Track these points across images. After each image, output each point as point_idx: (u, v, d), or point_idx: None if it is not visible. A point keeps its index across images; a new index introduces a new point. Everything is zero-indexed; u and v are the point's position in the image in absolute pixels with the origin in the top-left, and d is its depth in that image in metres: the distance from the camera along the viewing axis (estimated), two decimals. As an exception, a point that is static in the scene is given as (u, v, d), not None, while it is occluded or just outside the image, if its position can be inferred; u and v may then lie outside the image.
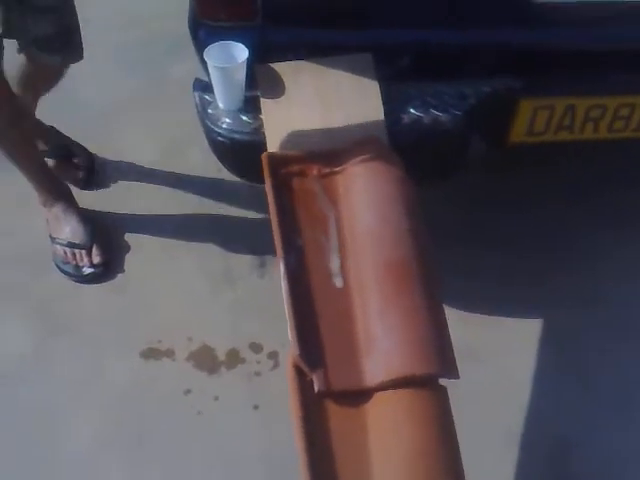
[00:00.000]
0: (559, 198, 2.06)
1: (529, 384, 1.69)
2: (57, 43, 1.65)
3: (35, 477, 1.60)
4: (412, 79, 1.51)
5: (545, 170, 2.06)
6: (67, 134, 2.21)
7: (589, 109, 1.52)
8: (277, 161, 1.38)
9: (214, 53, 1.44)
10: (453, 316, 1.76)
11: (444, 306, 1.70)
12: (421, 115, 1.48)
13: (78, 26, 1.70)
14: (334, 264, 1.28)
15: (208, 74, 1.48)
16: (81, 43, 1.72)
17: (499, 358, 1.72)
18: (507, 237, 1.97)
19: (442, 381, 1.17)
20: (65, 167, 2.12)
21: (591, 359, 1.74)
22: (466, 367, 1.66)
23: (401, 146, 1.44)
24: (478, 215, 2.01)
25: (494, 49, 1.50)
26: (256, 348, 1.76)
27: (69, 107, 2.29)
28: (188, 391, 1.69)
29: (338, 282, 1.26)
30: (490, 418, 1.61)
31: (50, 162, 2.07)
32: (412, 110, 1.49)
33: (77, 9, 1.70)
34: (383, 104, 1.47)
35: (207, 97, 1.54)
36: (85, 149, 2.19)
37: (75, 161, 2.15)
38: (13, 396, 1.71)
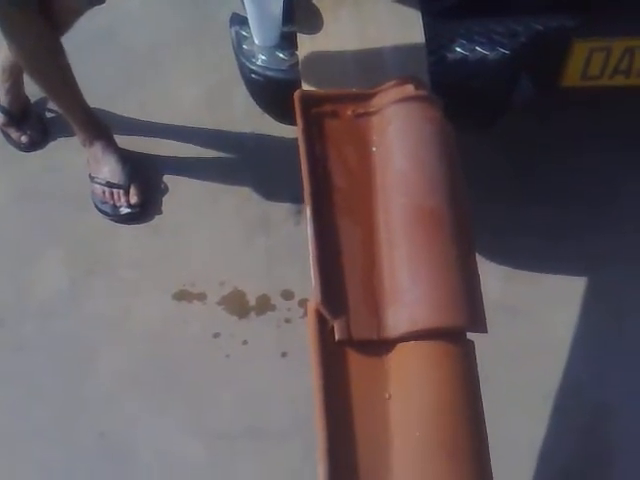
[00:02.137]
0: (611, 146, 1.93)
1: (569, 345, 1.62)
2: None
3: (63, 408, 1.63)
4: (458, 15, 1.42)
5: (597, 114, 1.93)
6: (110, 75, 2.20)
7: (649, 51, 1.40)
8: (310, 100, 1.31)
9: (251, -16, 1.38)
10: (494, 272, 1.72)
11: (484, 261, 1.65)
12: (466, 54, 1.39)
13: None
14: (364, 210, 1.22)
15: (244, 7, 1.42)
16: None
17: (540, 316, 1.66)
18: (552, 189, 1.88)
19: (475, 336, 1.12)
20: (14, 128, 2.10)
21: (635, 321, 1.65)
22: (506, 323, 1.62)
23: (443, 87, 1.35)
24: (522, 164, 1.92)
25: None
26: (287, 295, 1.74)
27: (111, 47, 2.27)
28: (217, 334, 1.68)
29: (367, 230, 1.21)
30: (527, 378, 1.56)
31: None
32: (457, 48, 1.40)
33: None
34: (426, 41, 1.38)
35: (243, 32, 1.48)
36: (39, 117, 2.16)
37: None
38: (48, 329, 1.75)
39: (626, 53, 1.41)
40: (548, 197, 1.86)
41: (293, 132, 1.81)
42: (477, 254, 1.24)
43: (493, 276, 1.70)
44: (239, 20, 1.49)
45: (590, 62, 1.43)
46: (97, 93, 2.04)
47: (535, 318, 1.66)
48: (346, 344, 1.11)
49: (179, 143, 2.08)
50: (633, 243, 1.77)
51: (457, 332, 1.10)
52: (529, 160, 1.93)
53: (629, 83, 1.47)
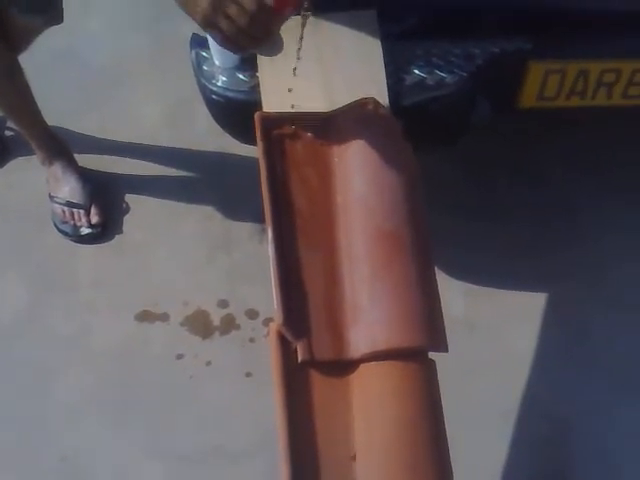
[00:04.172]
0: (566, 166, 1.98)
1: (529, 360, 1.64)
2: (40, 3, 1.58)
3: (21, 430, 1.60)
4: (417, 38, 1.44)
5: (556, 134, 1.97)
6: (70, 93, 2.18)
7: (603, 74, 1.44)
8: (270, 121, 1.32)
9: (210, 7, 1.38)
10: (454, 288, 1.74)
11: (445, 278, 1.67)
12: (425, 76, 1.40)
13: None
14: (325, 232, 1.23)
15: (205, 29, 1.43)
16: (62, 5, 1.66)
17: (499, 332, 1.68)
18: (509, 207, 1.91)
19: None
20: None
21: (593, 337, 1.69)
22: (466, 340, 1.64)
23: (402, 109, 1.37)
24: (480, 183, 1.95)
25: (503, 7, 1.41)
26: (252, 314, 1.73)
27: (71, 66, 2.25)
28: (181, 355, 1.67)
29: (328, 251, 1.21)
30: (487, 394, 1.58)
31: None
32: (416, 71, 1.41)
33: None
34: (385, 64, 1.40)
35: (203, 53, 1.48)
36: None
37: None
38: (5, 350, 1.72)
39: (580, 75, 1.45)
40: (508, 213, 1.89)
41: (255, 151, 1.83)
42: (437, 270, 1.26)
43: (453, 292, 1.72)
44: (199, 41, 1.49)
45: (546, 84, 1.46)
46: (57, 112, 2.03)
47: (494, 333, 1.68)
48: (309, 365, 1.11)
49: (140, 162, 2.07)
50: (590, 260, 1.81)
51: (418, 352, 1.12)
52: (488, 177, 1.96)
53: (585, 104, 1.50)
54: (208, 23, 1.01)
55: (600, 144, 2.00)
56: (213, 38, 1.06)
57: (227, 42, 1.05)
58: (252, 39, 1.04)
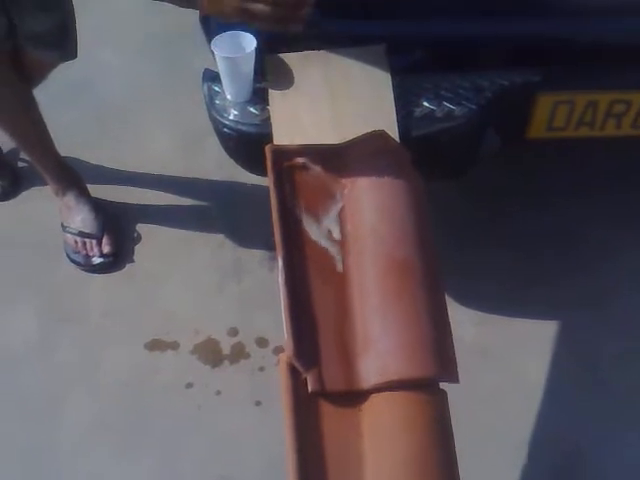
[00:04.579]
0: (575, 194, 1.99)
1: (541, 389, 1.63)
2: (54, 39, 1.62)
3: (29, 459, 1.60)
4: (425, 71, 1.46)
5: (561, 165, 1.99)
6: (83, 124, 2.21)
7: (612, 104, 1.45)
8: (281, 154, 1.34)
9: (222, 43, 1.41)
10: (465, 317, 1.74)
11: (456, 306, 1.67)
12: (434, 108, 1.42)
13: (75, 23, 1.67)
14: (335, 262, 1.24)
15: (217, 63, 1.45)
16: (76, 40, 1.69)
17: (510, 360, 1.67)
18: (521, 233, 1.91)
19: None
20: None
21: (605, 366, 1.68)
22: (477, 369, 1.64)
23: (412, 141, 1.39)
24: (489, 212, 1.96)
25: (511, 40, 1.44)
26: (262, 343, 1.73)
27: (85, 97, 2.30)
28: (190, 384, 1.67)
29: (338, 280, 1.22)
30: (499, 423, 1.57)
31: None
32: (425, 103, 1.43)
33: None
34: (395, 97, 1.42)
35: (215, 88, 1.51)
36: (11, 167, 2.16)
37: None
38: (16, 380, 1.72)
39: (589, 106, 1.46)
40: (518, 241, 1.89)
41: (266, 180, 1.85)
42: (448, 298, 1.26)
43: (464, 320, 1.72)
44: (211, 76, 1.51)
45: (555, 114, 1.47)
46: (70, 142, 2.06)
47: (506, 362, 1.68)
48: (319, 395, 1.11)
49: (152, 191, 2.10)
50: (601, 288, 1.80)
51: (429, 382, 1.12)
52: (498, 205, 1.97)
53: (593, 134, 1.51)
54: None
55: (611, 173, 2.01)
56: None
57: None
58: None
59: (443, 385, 1.12)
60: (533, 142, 1.56)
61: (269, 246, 1.92)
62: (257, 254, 1.93)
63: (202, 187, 2.11)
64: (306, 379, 1.11)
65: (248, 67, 1.42)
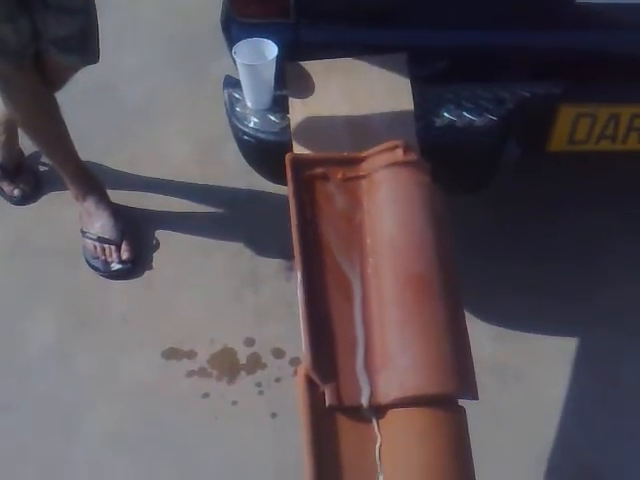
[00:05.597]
0: (595, 204, 1.96)
1: (561, 406, 1.61)
2: (77, 44, 1.64)
3: (49, 470, 1.60)
4: (447, 81, 1.45)
5: (585, 176, 1.96)
6: (104, 129, 2.22)
7: (634, 118, 1.43)
8: (301, 163, 1.33)
9: (243, 50, 1.41)
10: (483, 332, 1.72)
11: (475, 321, 1.65)
12: (454, 119, 1.41)
13: (97, 28, 1.68)
14: (354, 274, 1.23)
15: (237, 70, 1.45)
16: (99, 45, 1.70)
17: (530, 377, 1.65)
18: (542, 248, 1.89)
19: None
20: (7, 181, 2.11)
21: (625, 383, 1.65)
22: (495, 385, 1.62)
23: (431, 151, 1.37)
24: (511, 223, 1.94)
25: (534, 52, 1.43)
26: (278, 353, 1.73)
27: (106, 101, 2.31)
28: (206, 394, 1.66)
29: (357, 293, 1.21)
30: (518, 440, 1.54)
31: None
32: (445, 114, 1.42)
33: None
34: (415, 107, 1.41)
35: (236, 95, 1.51)
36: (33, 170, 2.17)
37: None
38: (33, 387, 1.72)
39: (611, 119, 1.44)
40: (538, 256, 1.87)
41: (284, 189, 1.84)
42: (467, 313, 1.25)
43: (483, 335, 1.70)
44: (232, 83, 1.51)
45: (576, 127, 1.46)
46: (91, 147, 2.07)
47: (525, 378, 1.66)
48: (336, 409, 1.10)
49: (171, 198, 2.10)
50: (622, 305, 1.78)
51: (447, 399, 1.10)
52: (518, 219, 1.95)
53: (615, 148, 1.50)
54: None
55: (631, 183, 1.98)
56: None
57: None
58: None
59: (461, 401, 1.11)
60: (554, 154, 1.54)
61: (286, 255, 1.92)
62: (274, 263, 1.92)
63: (220, 194, 2.10)
64: (324, 392, 1.10)
65: (269, 75, 1.42)
